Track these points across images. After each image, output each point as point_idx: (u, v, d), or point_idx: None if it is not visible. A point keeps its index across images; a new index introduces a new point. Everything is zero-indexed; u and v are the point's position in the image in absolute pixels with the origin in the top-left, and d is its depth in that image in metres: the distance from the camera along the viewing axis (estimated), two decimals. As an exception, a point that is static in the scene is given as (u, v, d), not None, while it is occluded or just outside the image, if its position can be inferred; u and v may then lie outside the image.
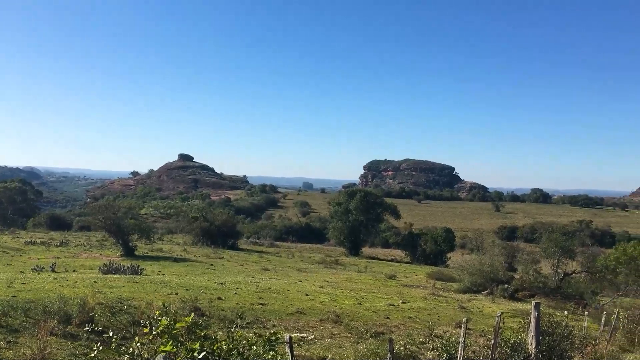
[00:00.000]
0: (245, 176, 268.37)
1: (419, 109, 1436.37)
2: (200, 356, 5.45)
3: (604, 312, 18.42)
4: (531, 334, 11.68)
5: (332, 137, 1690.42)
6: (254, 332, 7.30)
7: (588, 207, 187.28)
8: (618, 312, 17.94)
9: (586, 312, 21.54)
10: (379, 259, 61.15)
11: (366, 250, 70.93)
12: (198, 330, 5.83)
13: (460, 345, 9.97)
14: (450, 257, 63.65)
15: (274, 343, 5.99)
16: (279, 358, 5.88)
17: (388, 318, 18.97)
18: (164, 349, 5.32)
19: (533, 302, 12.36)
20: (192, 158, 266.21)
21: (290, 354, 6.82)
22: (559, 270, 32.66)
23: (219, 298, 19.32)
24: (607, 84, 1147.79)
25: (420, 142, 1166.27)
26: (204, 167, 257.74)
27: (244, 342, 6.01)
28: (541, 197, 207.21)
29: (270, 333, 6.15)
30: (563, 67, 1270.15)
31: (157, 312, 5.98)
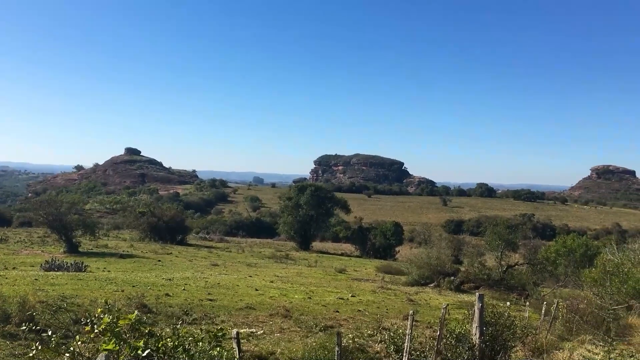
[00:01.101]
0: (194, 170, 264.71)
1: (369, 104, 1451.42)
2: (145, 354, 5.32)
3: (545, 303, 19.09)
4: (475, 324, 11.97)
5: (283, 131, 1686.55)
6: (201, 329, 7.20)
7: (530, 201, 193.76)
8: (557, 302, 18.62)
9: (527, 303, 22.29)
10: (329, 253, 61.50)
11: (316, 244, 71.26)
12: (142, 328, 5.69)
13: (407, 337, 10.14)
14: (399, 251, 64.68)
15: (221, 339, 5.93)
16: (225, 354, 5.81)
17: (337, 312, 19.11)
18: (106, 347, 5.17)
19: (477, 293, 12.69)
20: (140, 152, 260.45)
21: (237, 349, 6.76)
22: (502, 263, 33.65)
23: (167, 294, 19.01)
24: (548, 83, 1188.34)
25: (370, 137, 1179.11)
26: (152, 161, 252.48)
27: (190, 338, 5.93)
28: (486, 191, 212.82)
29: (217, 329, 6.09)
30: (506, 65, 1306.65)
31: (100, 310, 5.81)
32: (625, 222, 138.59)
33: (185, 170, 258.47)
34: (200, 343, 5.89)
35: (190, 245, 53.15)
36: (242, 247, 55.10)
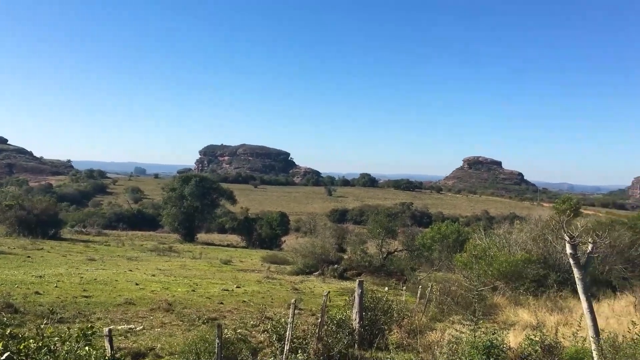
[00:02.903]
0: (69, 161, 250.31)
1: (255, 94, 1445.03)
2: (3, 357, 4.93)
3: (420, 286, 20.12)
4: (355, 310, 12.41)
5: (166, 120, 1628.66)
6: (68, 327, 6.81)
7: (409, 190, 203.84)
8: (432, 286, 19.76)
9: (405, 287, 23.41)
10: (214, 245, 60.78)
11: (202, 236, 70.12)
12: (1, 329, 5.26)
13: (289, 325, 10.26)
14: (284, 241, 65.28)
15: (91, 337, 5.62)
16: (94, 353, 5.52)
17: (222, 303, 18.95)
18: (-43, 353, 4.72)
19: (357, 280, 13.15)
20: (7, 140, 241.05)
21: (109, 347, 6.45)
22: (383, 250, 35.09)
23: (37, 292, 17.87)
24: (426, 79, 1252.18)
25: (257, 128, 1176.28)
26: (21, 151, 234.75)
27: (56, 338, 5.57)
28: (369, 181, 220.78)
29: (87, 326, 5.77)
30: (385, 60, 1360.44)
31: (-49, 313, 5.30)
32: (492, 209, 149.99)
33: (59, 161, 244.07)
34: (68, 343, 5.55)
35: (65, 239, 50.08)
36: (122, 241, 52.89)
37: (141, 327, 13.89)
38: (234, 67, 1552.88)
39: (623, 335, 9.97)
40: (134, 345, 11.88)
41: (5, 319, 5.82)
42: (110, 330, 6.60)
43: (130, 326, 13.92)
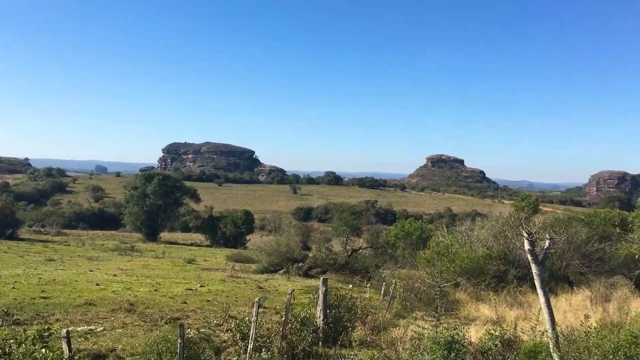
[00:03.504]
0: (27, 158, 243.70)
1: (220, 91, 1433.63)
2: (-45, 362, 4.78)
3: (384, 283, 20.32)
4: (319, 308, 12.44)
5: (128, 117, 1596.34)
6: (24, 329, 6.64)
7: (374, 188, 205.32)
8: (395, 283, 19.97)
9: (369, 284, 23.59)
10: (178, 244, 60.09)
11: (165, 235, 69.24)
12: (-48, 333, 5.11)
13: (252, 324, 10.22)
14: (249, 239, 64.99)
15: (47, 339, 5.49)
16: (51, 355, 5.39)
17: (185, 303, 18.77)
18: None
19: (322, 278, 13.18)
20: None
21: (67, 349, 6.30)
22: (347, 247, 35.25)
23: (-8, 294, 17.35)
24: (389, 78, 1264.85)
25: (221, 125, 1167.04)
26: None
27: (12, 340, 5.42)
28: (334, 179, 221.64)
29: (43, 328, 5.64)
30: (348, 60, 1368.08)
31: None
32: (455, 207, 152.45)
33: (16, 158, 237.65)
34: (24, 345, 5.41)
35: (23, 239, 48.85)
36: (82, 240, 51.85)
37: (102, 328, 13.65)
38: (199, 63, 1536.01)
39: (577, 329, 10.26)
40: (94, 346, 11.65)
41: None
42: (68, 332, 6.45)
43: (91, 327, 13.66)
